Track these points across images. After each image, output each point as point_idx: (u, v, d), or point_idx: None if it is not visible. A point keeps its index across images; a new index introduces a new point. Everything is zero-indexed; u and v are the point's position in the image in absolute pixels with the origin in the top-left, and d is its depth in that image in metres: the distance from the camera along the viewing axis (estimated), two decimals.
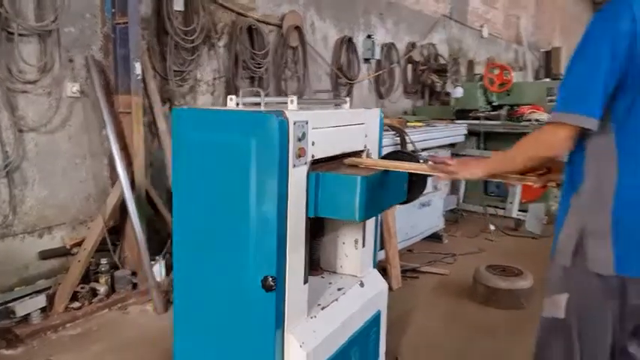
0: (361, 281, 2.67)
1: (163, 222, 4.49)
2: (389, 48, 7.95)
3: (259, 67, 5.39)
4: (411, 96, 8.80)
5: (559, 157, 1.82)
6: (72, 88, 3.88)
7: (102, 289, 3.92)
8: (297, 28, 5.93)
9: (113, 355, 3.27)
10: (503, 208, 6.39)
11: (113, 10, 4.00)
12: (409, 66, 8.69)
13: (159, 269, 4.21)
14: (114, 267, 4.10)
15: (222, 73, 5.17)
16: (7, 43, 3.46)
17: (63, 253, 3.89)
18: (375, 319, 2.71)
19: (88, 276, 3.94)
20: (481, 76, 7.56)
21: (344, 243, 2.73)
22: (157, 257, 4.25)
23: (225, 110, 2.10)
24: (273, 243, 1.97)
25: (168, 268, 4.40)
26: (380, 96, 7.90)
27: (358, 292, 2.61)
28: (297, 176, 2.02)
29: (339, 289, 2.54)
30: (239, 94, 2.28)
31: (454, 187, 6.39)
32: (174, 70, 4.61)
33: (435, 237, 5.75)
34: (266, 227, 1.97)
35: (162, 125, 4.43)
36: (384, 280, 2.85)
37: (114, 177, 4.16)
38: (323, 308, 2.34)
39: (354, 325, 2.48)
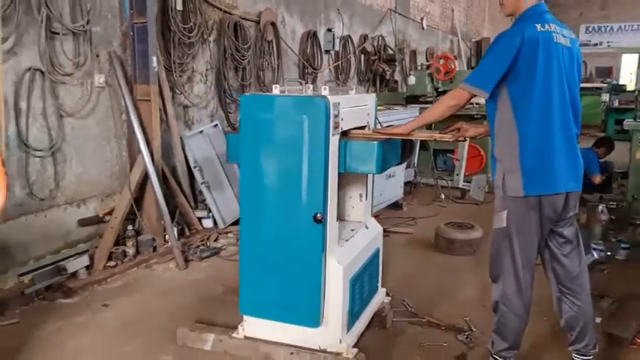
0: (366, 225, 3.54)
1: (172, 195, 5.18)
2: (345, 40, 8.82)
3: (243, 59, 6.13)
4: (364, 83, 9.73)
5: (460, 107, 2.77)
6: (99, 80, 4.50)
7: (130, 250, 4.60)
8: (273, 24, 6.69)
9: (156, 300, 3.99)
10: (451, 180, 7.44)
11: (131, 11, 4.63)
12: (362, 56, 9.60)
13: (172, 235, 4.91)
14: (137, 232, 4.78)
15: (212, 65, 5.87)
16: (50, 41, 4.06)
17: (97, 220, 4.53)
18: (377, 253, 3.59)
19: (117, 240, 4.60)
20: (428, 65, 8.56)
21: (351, 197, 3.59)
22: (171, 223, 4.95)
23: (282, 95, 2.89)
24: (321, 189, 2.80)
25: (179, 235, 5.12)
26: (337, 84, 8.75)
27: (365, 232, 3.48)
28: (333, 143, 2.86)
29: (352, 230, 3.40)
30: (282, 83, 3.07)
31: (410, 162, 7.37)
32: (177, 63, 5.28)
33: (395, 205, 6.70)
34: (316, 178, 2.80)
35: (170, 111, 5.11)
36: (379, 225, 3.74)
37: (132, 157, 4.83)
38: (346, 240, 3.19)
39: (366, 255, 3.35)
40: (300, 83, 3.06)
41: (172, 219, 5.00)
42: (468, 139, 3.45)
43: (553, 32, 2.57)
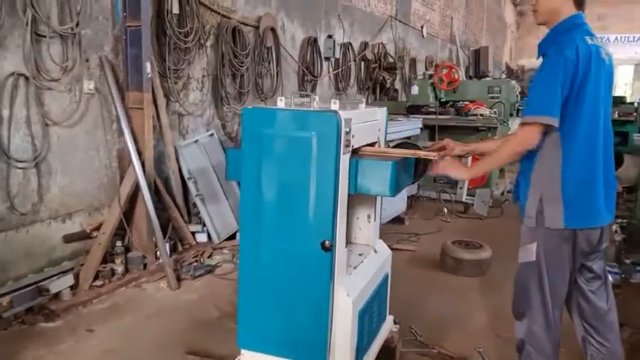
0: (374, 249, 3.28)
1: (165, 208, 4.90)
2: (346, 47, 8.58)
3: (242, 66, 5.86)
4: (364, 92, 9.49)
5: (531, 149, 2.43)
6: (88, 86, 4.22)
7: (119, 268, 4.31)
8: (272, 30, 6.43)
9: (145, 324, 3.70)
10: (454, 194, 7.19)
11: (124, 14, 4.36)
12: (362, 64, 9.36)
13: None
14: (126, 248, 4.49)
15: (209, 71, 5.61)
16: (36, 44, 3.78)
17: (84, 236, 4.24)
18: (386, 279, 3.32)
19: (105, 258, 4.31)
20: (430, 74, 8.34)
21: (358, 218, 3.32)
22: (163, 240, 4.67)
23: (289, 110, 2.62)
24: (330, 214, 2.53)
25: (171, 250, 4.84)
26: (338, 92, 8.52)
27: (374, 257, 3.21)
28: (344, 162, 2.59)
29: (359, 255, 3.13)
30: (289, 95, 2.81)
31: None
32: (172, 69, 5.01)
33: (397, 220, 6.44)
34: (325, 201, 2.53)
35: (164, 119, 4.84)
36: (388, 248, 3.47)
37: (122, 168, 4.54)
38: (354, 268, 2.92)
39: (375, 282, 3.08)
40: (307, 96, 2.79)
41: (164, 234, 4.71)
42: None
43: (600, 47, 2.32)
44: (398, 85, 10.67)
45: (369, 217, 3.30)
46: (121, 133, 4.41)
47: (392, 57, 10.18)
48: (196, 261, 4.84)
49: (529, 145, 2.36)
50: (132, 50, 4.39)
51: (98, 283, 4.14)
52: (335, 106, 2.66)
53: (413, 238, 5.98)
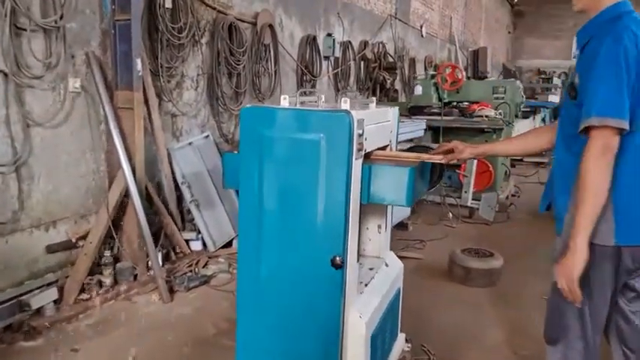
0: (385, 262, 2.99)
1: (157, 215, 4.61)
2: (345, 46, 8.31)
3: (238, 64, 5.57)
4: (363, 92, 9.21)
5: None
6: (74, 84, 3.92)
7: (107, 280, 4.02)
8: (270, 26, 6.14)
9: (135, 342, 3.40)
10: (459, 198, 6.92)
11: (113, 7, 4.07)
12: (362, 63, 9.09)
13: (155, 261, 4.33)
14: (115, 258, 4.19)
15: (204, 70, 5.31)
16: (16, 37, 3.48)
17: (69, 246, 3.94)
18: (398, 295, 3.05)
19: (92, 269, 4.01)
20: (432, 74, 8.07)
21: (367, 228, 3.04)
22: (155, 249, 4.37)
23: (295, 109, 2.34)
24: (341, 226, 2.25)
25: (164, 260, 4.55)
26: (337, 92, 8.24)
27: (386, 271, 2.93)
28: (356, 168, 2.31)
29: (370, 269, 2.85)
30: (295, 93, 2.52)
31: None
32: (165, 67, 4.71)
33: (400, 225, 6.16)
34: (335, 212, 2.24)
35: (157, 121, 4.54)
36: (399, 261, 3.19)
37: (111, 172, 4.24)
38: (366, 285, 2.64)
39: (387, 299, 2.80)
40: (312, 94, 2.51)
41: (156, 243, 4.42)
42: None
43: None
44: (398, 85, 10.40)
45: (379, 227, 3.02)
46: (109, 135, 4.10)
47: (392, 57, 9.91)
48: (190, 271, 4.55)
49: (613, 148, 1.97)
50: (121, 46, 4.10)
51: (84, 296, 3.84)
52: (345, 105, 2.38)
53: (418, 245, 5.70)
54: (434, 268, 4.98)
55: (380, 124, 2.69)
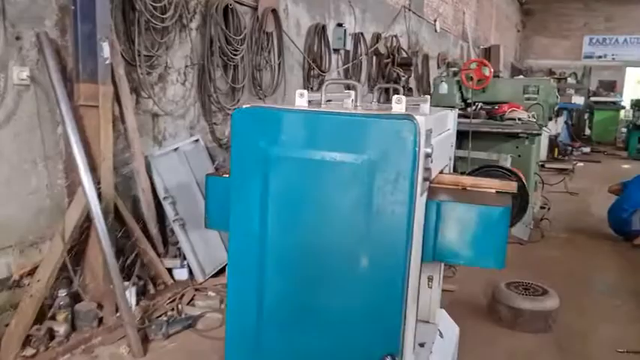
0: (439, 331, 2.10)
1: (131, 239, 3.71)
2: (357, 38, 7.40)
3: (235, 54, 4.66)
4: (375, 91, 8.30)
5: None
6: (20, 74, 3.02)
7: (61, 328, 3.11)
8: (274, 12, 5.24)
9: None
10: None
11: None
12: (374, 58, 8.19)
13: (128, 297, 3.44)
14: (74, 298, 3.29)
15: (194, 60, 4.40)
16: None
17: (10, 285, 3.03)
18: None
19: (43, 312, 3.11)
20: (455, 71, 7.17)
21: None
22: (126, 283, 3.48)
23: (321, 112, 1.44)
24: (397, 308, 1.35)
25: (139, 295, 3.65)
26: (347, 89, 7.32)
27: (441, 346, 2.03)
28: (420, 207, 1.41)
29: (421, 345, 1.94)
30: (318, 88, 1.62)
31: None
32: (144, 55, 3.80)
33: None
34: (387, 284, 1.35)
35: (131, 122, 3.64)
36: (453, 323, 2.30)
37: (72, 186, 3.34)
38: None
39: None
40: (347, 87, 1.61)
41: (129, 274, 3.54)
42: None
43: None
44: (412, 83, 9.50)
45: (429, 280, 2.12)
46: (68, 139, 3.19)
47: (405, 52, 9.01)
48: (173, 309, 3.65)
49: None
50: (84, 26, 3.19)
51: (29, 352, 2.94)
52: (400, 105, 1.48)
53: (447, 271, 4.79)
54: (471, 303, 4.10)
55: (443, 136, 1.79)
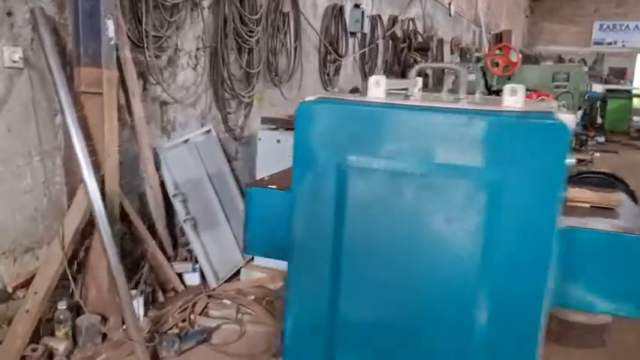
0: None
1: (136, 241, 3.34)
2: (374, 21, 6.98)
3: (251, 36, 4.25)
4: (391, 77, 7.89)
5: None
6: (11, 55, 2.61)
7: (61, 346, 2.74)
8: None
9: None
10: None
11: None
12: (390, 43, 7.76)
13: (136, 308, 3.07)
14: (74, 310, 2.92)
15: (206, 42, 3.99)
16: None
17: (1, 298, 2.66)
18: None
19: (40, 328, 2.74)
20: (478, 56, 6.77)
21: None
22: (133, 292, 3.12)
23: (430, 108, 1.05)
24: None
25: (148, 304, 3.29)
26: (365, 76, 6.93)
27: None
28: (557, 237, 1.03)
29: None
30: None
31: None
32: (152, 36, 3.39)
33: None
34: (518, 351, 0.96)
35: (138, 110, 3.24)
36: None
37: (72, 184, 2.95)
38: None
39: None
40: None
41: (137, 282, 3.17)
42: None
43: None
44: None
45: None
46: (68, 131, 2.80)
47: (422, 36, 8.58)
48: (184, 320, 3.28)
49: None
50: (85, 1, 2.78)
51: None
52: (515, 98, 1.09)
53: None
54: None
55: None
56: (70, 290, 2.90)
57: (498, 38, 16.19)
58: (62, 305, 2.81)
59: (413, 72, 1.27)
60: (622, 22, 24.99)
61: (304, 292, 1.09)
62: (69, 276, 2.79)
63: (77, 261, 2.96)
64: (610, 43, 25.30)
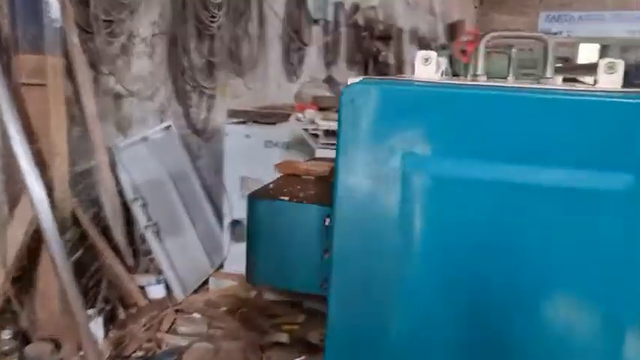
0: None
1: (91, 253, 2.95)
2: (336, 7, 6.68)
3: (213, 22, 3.88)
4: (354, 66, 7.62)
5: None
6: None
7: None
8: None
9: None
10: None
11: None
12: (352, 31, 7.48)
13: (94, 330, 2.70)
14: (21, 338, 2.52)
15: (163, 28, 3.61)
16: None
17: None
18: None
19: None
20: (443, 45, 6.58)
21: None
22: (90, 312, 2.74)
23: (536, 92, 0.76)
24: None
25: (108, 323, 2.92)
26: (327, 65, 6.63)
27: None
28: None
29: None
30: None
31: None
32: (102, 20, 2.99)
33: None
34: None
35: (89, 104, 2.84)
36: None
37: (13, 193, 2.54)
38: None
39: None
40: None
41: (94, 299, 2.79)
42: None
43: None
44: (391, 59, 8.85)
45: None
46: (5, 131, 2.39)
47: (383, 24, 8.36)
48: (150, 340, 2.92)
49: None
50: None
51: None
52: (614, 77, 0.82)
53: None
54: None
55: None
56: (16, 316, 2.49)
57: (453, 28, 16.24)
58: (6, 335, 2.42)
59: (481, 44, 0.98)
60: (566, 12, 25.66)
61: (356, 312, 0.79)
62: (12, 299, 2.39)
63: (23, 281, 2.55)
64: (556, 33, 25.95)
